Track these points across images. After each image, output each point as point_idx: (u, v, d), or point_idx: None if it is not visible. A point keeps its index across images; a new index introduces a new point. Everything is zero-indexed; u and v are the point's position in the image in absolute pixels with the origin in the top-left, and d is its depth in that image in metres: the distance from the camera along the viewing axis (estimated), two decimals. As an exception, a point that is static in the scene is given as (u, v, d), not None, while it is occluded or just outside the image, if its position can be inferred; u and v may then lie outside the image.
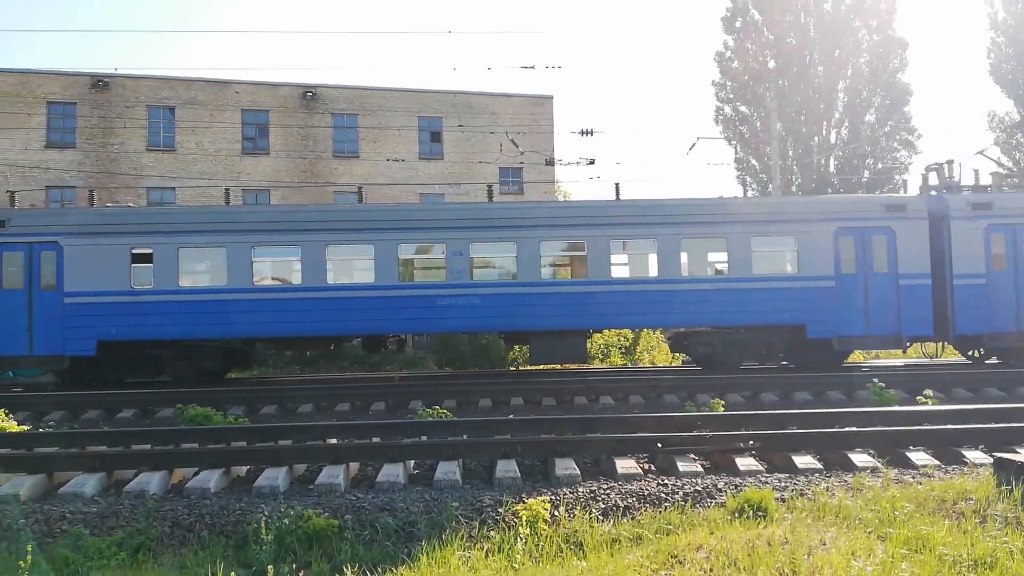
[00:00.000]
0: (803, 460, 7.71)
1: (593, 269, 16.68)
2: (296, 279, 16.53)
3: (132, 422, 12.90)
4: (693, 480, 7.23)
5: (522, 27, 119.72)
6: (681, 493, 6.89)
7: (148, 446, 9.00)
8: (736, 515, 6.23)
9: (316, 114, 33.86)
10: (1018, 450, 7.83)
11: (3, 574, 5.50)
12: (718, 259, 17.12)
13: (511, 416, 12.19)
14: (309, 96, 33.66)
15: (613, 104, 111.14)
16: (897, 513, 6.01)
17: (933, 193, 18.13)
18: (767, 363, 18.33)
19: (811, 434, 8.23)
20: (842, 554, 5.10)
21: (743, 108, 42.50)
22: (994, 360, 18.06)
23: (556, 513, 6.62)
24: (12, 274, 15.92)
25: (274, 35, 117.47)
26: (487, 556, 5.83)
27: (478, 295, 16.45)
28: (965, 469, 7.35)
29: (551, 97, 36.39)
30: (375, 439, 9.11)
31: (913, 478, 7.22)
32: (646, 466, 7.88)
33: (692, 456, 7.90)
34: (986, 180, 18.84)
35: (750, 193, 41.03)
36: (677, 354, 23.40)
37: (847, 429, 8.60)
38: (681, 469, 7.52)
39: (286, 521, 6.24)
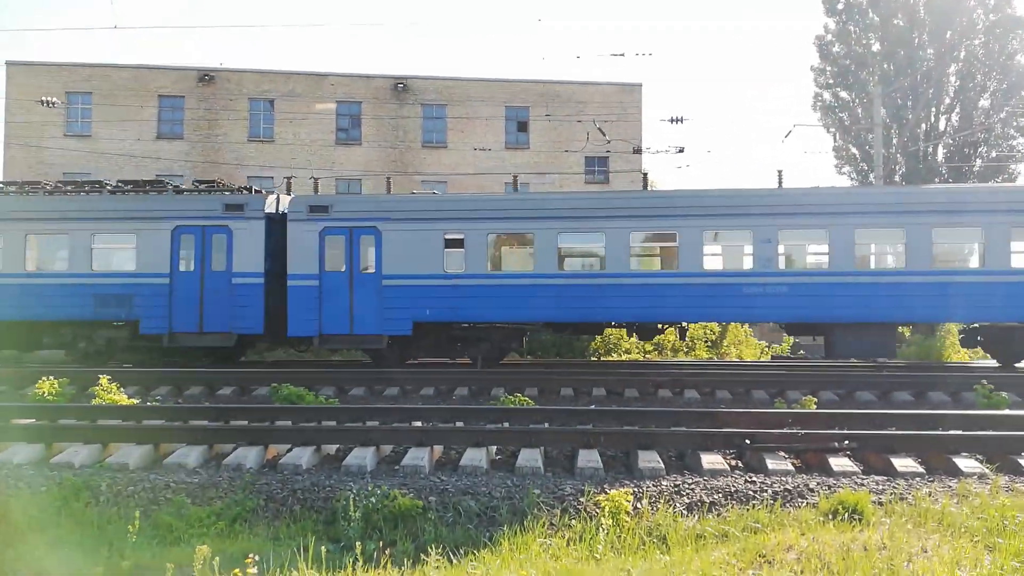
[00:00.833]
0: (903, 463, 7.32)
1: (913, 258, 15.98)
2: (599, 265, 16.63)
3: (231, 399, 13.57)
4: (783, 479, 6.99)
5: (612, 14, 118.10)
6: (770, 492, 6.67)
7: (245, 422, 9.46)
8: (829, 517, 5.98)
9: (406, 105, 34.50)
10: None
11: (114, 537, 5.89)
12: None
13: (592, 406, 12.14)
14: (400, 87, 34.31)
15: (704, 91, 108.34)
16: (1007, 523, 5.62)
17: None
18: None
19: (912, 436, 7.80)
20: (945, 563, 4.81)
21: (843, 94, 40.50)
22: None
23: (639, 506, 6.53)
24: (334, 257, 16.57)
25: (367, 27, 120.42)
26: (568, 544, 5.82)
27: (786, 284, 16.15)
28: (1087, 480, 6.80)
29: (640, 85, 35.75)
30: (459, 423, 9.26)
31: (1026, 487, 6.73)
32: (733, 462, 7.67)
33: (782, 454, 7.63)
34: None
35: (848, 183, 39.21)
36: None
37: (952, 432, 8.10)
38: (770, 467, 7.28)
39: (372, 500, 6.42)
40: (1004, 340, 16.67)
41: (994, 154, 36.94)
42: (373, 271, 16.49)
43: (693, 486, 6.89)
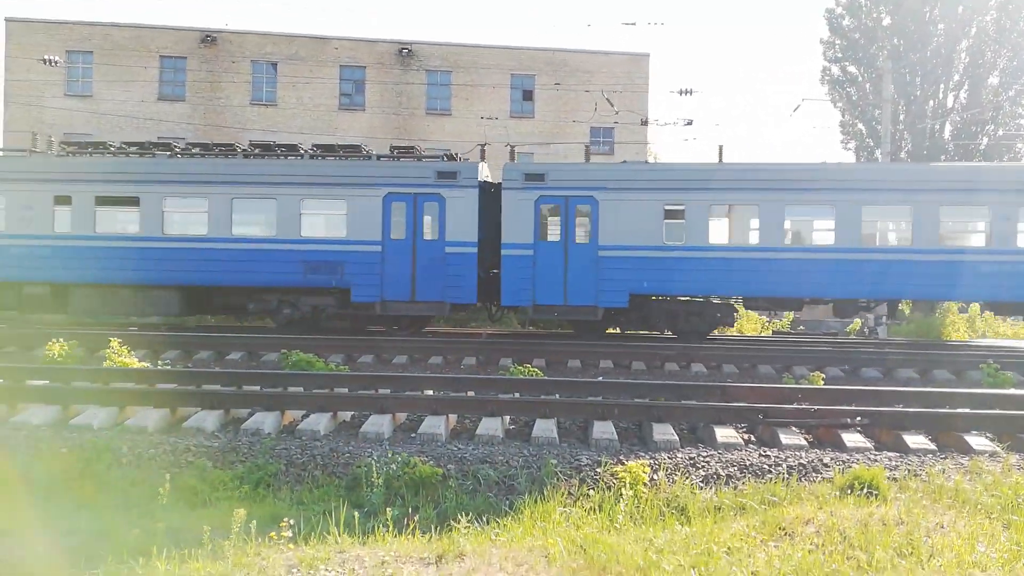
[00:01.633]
0: (915, 440, 7.41)
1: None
2: (829, 239, 16.13)
3: (240, 363, 13.63)
4: (797, 453, 7.08)
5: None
6: (785, 466, 6.77)
7: (258, 387, 9.51)
8: (845, 492, 6.07)
9: (411, 71, 34.11)
10: None
11: (140, 499, 5.96)
12: None
13: (600, 378, 12.23)
14: (405, 52, 33.89)
15: (714, 63, 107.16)
16: (1021, 500, 5.71)
17: None
18: None
19: (924, 413, 7.88)
20: (963, 538, 4.91)
21: (852, 68, 40.13)
22: None
23: (655, 477, 6.62)
24: (549, 226, 16.39)
25: None
26: (588, 514, 5.90)
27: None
28: (1097, 460, 6.90)
29: (647, 55, 35.36)
30: (469, 393, 9.33)
31: (1037, 466, 6.83)
32: (745, 436, 7.76)
33: (795, 429, 7.72)
34: None
35: (853, 159, 39.07)
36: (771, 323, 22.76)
37: (963, 410, 8.18)
38: (784, 442, 7.37)
39: (393, 467, 6.50)
40: None
41: (1001, 132, 36.75)
42: (589, 241, 16.20)
43: (708, 459, 6.98)
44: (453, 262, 16.22)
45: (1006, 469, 6.57)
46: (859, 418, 7.73)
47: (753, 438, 7.81)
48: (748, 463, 6.87)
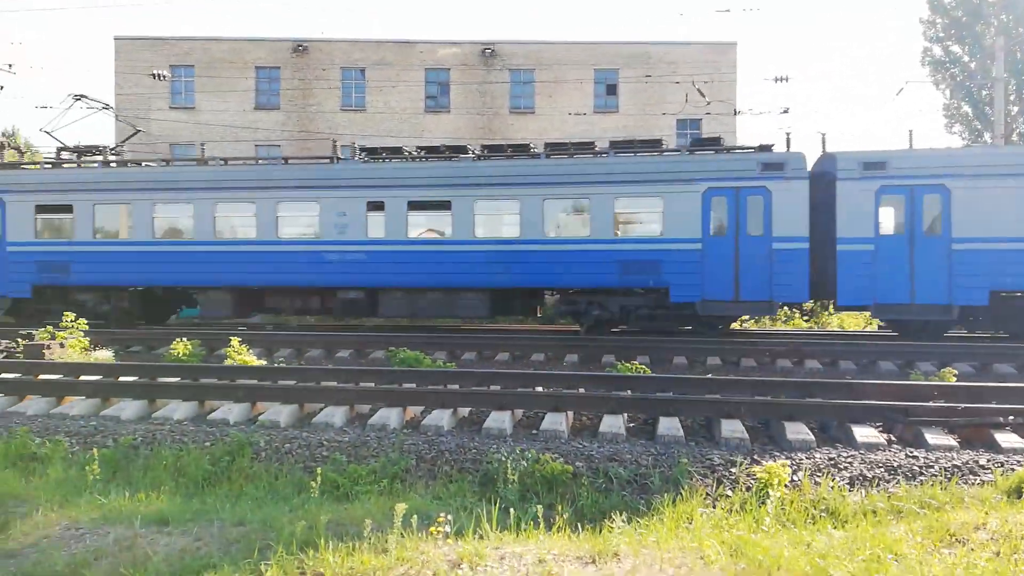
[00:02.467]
0: (1078, 442, 6.87)
1: None
2: None
3: (348, 360, 14.00)
4: (948, 454, 6.67)
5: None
6: (938, 467, 6.39)
7: (372, 384, 9.71)
8: (1010, 496, 5.67)
9: (494, 71, 34.32)
10: None
11: (287, 491, 6.16)
12: None
13: (709, 375, 11.92)
14: (488, 52, 34.11)
15: (809, 48, 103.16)
16: None
17: None
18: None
19: (1087, 413, 7.30)
20: None
21: (955, 48, 37.97)
22: None
23: (795, 478, 6.37)
24: (891, 218, 15.47)
25: None
26: (729, 515, 5.73)
27: None
28: None
29: (734, 44, 34.42)
30: (580, 390, 9.25)
31: None
32: (884, 436, 7.38)
33: (942, 429, 7.29)
34: None
35: (961, 143, 36.94)
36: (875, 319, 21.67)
37: None
38: (931, 442, 6.97)
39: (524, 463, 6.48)
40: None
41: None
42: (940, 233, 15.14)
43: (850, 459, 6.66)
44: (781, 259, 15.39)
45: None
46: (1011, 417, 7.23)
47: (892, 438, 7.42)
48: (895, 464, 6.52)
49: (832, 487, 6.09)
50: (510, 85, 34.34)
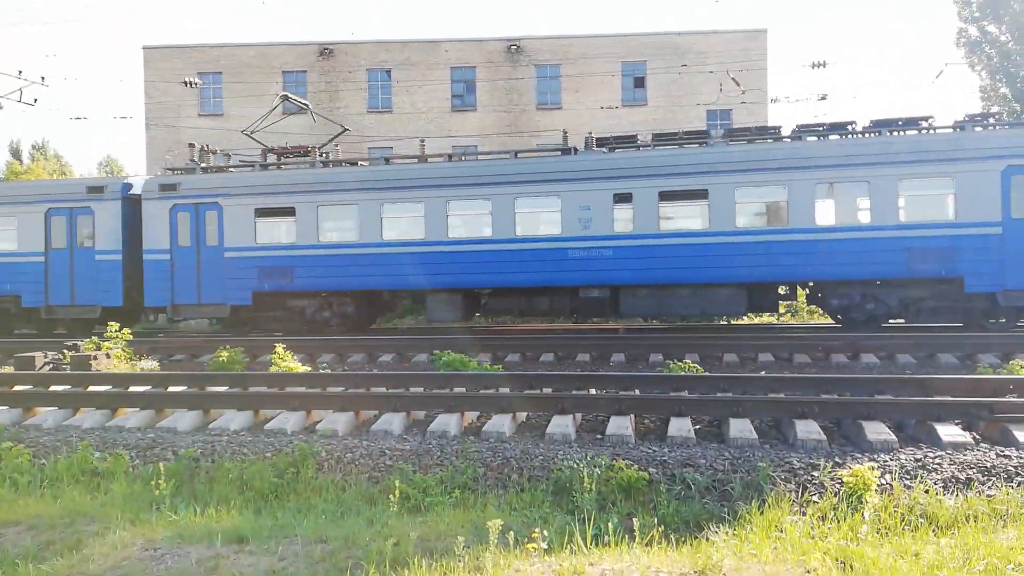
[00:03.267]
0: None
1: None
2: None
3: (391, 365, 13.87)
4: (1045, 453, 6.33)
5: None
6: (1037, 468, 6.05)
7: (421, 388, 9.53)
8: (1124, 498, 5.33)
9: (520, 67, 34.10)
10: None
11: (358, 504, 5.99)
12: None
13: (763, 373, 11.60)
14: (513, 49, 33.90)
15: (848, 32, 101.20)
16: None
17: None
18: None
19: None
20: None
21: (991, 28, 37.00)
22: None
23: (882, 481, 6.07)
24: None
25: None
26: (823, 522, 5.45)
27: None
28: None
29: (765, 31, 33.86)
30: (635, 392, 9.00)
31: None
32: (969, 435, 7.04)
33: (1029, 426, 6.94)
34: None
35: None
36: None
37: None
38: (1022, 440, 6.62)
39: (597, 471, 6.26)
40: None
41: None
42: None
43: (939, 460, 6.34)
44: None
45: None
46: (1106, 413, 6.86)
47: (976, 436, 7.08)
48: (988, 465, 6.20)
49: (927, 491, 5.78)
50: (536, 81, 34.12)
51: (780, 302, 17.17)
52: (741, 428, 7.31)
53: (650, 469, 6.51)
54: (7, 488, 6.48)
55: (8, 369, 12.80)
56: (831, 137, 16.00)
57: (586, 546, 4.62)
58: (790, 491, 6.06)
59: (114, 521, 5.44)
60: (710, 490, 6.24)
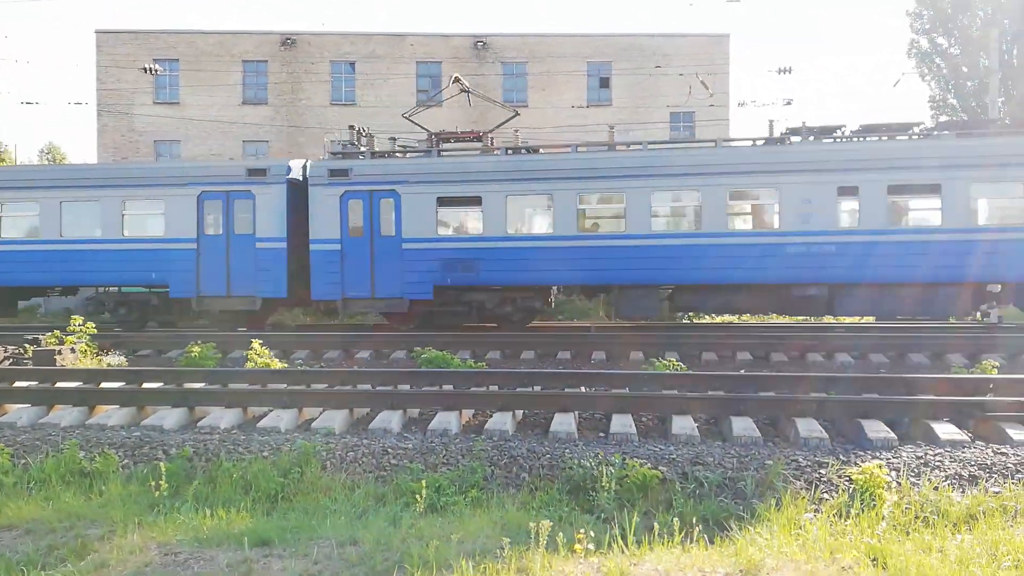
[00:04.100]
0: None
1: None
2: None
3: (369, 363, 13.63)
4: (1040, 451, 6.55)
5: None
6: (1036, 465, 6.25)
7: (408, 386, 9.37)
8: (1123, 494, 5.54)
9: (486, 63, 33.98)
10: None
11: (374, 503, 5.83)
12: None
13: (742, 371, 11.76)
14: (480, 46, 33.75)
15: (813, 39, 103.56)
16: None
17: None
18: None
19: None
20: None
21: (941, 40, 38.40)
22: None
23: (889, 479, 6.18)
24: None
25: None
26: (836, 520, 5.52)
27: None
28: None
29: (728, 35, 34.47)
30: (626, 389, 9.02)
31: None
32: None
33: (1019, 424, 7.17)
34: None
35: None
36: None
37: None
38: (1015, 438, 6.84)
39: (611, 469, 6.22)
40: None
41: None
42: None
43: (939, 458, 6.50)
44: None
45: None
46: (1090, 411, 7.13)
47: (968, 434, 7.29)
48: (988, 462, 6.38)
49: (936, 488, 5.91)
50: (503, 78, 34.03)
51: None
52: (744, 426, 7.38)
53: (660, 467, 6.51)
54: (-9, 490, 6.11)
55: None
56: None
57: (627, 546, 4.56)
58: (801, 488, 6.13)
59: (117, 524, 5.17)
60: (723, 488, 6.27)
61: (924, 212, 15.45)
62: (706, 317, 19.95)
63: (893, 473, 6.25)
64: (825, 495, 6.05)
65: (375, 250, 16.54)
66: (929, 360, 12.50)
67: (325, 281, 16.57)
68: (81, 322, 13.35)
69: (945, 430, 7.06)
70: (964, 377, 8.87)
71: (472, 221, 16.67)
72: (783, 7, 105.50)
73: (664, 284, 16.05)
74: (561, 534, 4.43)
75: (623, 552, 4.47)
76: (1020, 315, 17.16)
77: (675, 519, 5.29)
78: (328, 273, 16.54)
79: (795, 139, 15.91)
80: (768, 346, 13.37)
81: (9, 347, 12.59)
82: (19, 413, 8.31)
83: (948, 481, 6.15)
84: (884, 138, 15.63)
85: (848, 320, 20.74)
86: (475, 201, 16.41)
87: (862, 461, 6.43)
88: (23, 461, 6.95)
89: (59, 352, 12.04)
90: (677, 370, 11.00)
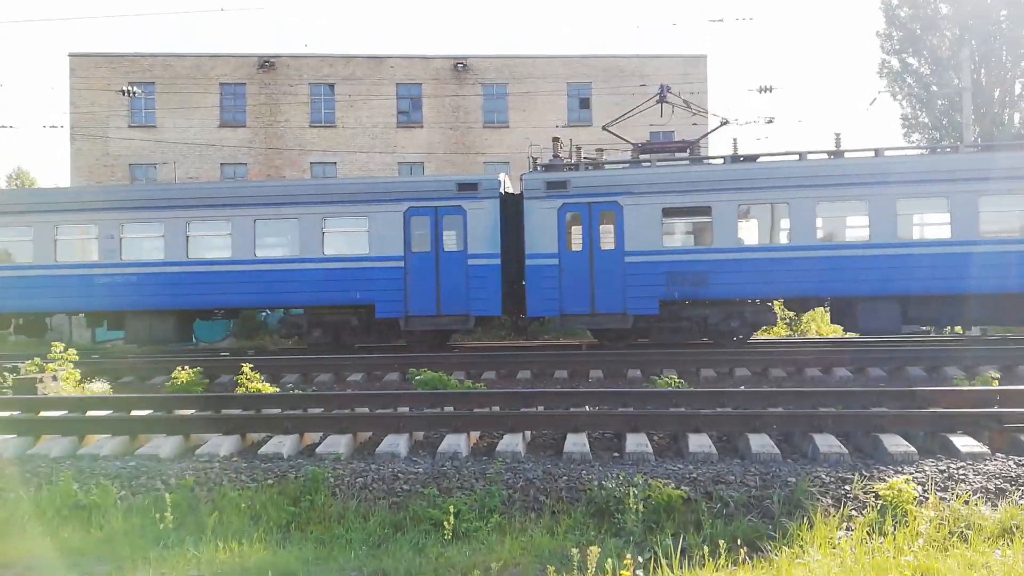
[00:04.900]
0: None
1: None
2: None
3: (361, 384, 13.33)
4: (1061, 462, 6.49)
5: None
6: (1060, 476, 6.19)
7: (407, 408, 9.11)
8: None
9: (467, 84, 34.06)
10: None
11: (387, 534, 5.58)
12: None
13: (742, 387, 11.68)
14: (460, 67, 33.83)
15: (794, 58, 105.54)
16: None
17: None
18: None
19: None
20: None
21: (911, 60, 39.30)
22: None
23: (915, 494, 6.07)
24: None
25: (426, 6, 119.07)
26: (869, 538, 5.39)
27: None
28: None
29: (704, 56, 34.96)
30: (630, 408, 8.85)
31: None
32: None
33: (1036, 435, 7.13)
34: None
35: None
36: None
37: None
38: (1034, 449, 6.79)
39: (634, 490, 6.04)
40: None
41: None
42: None
43: (964, 472, 6.42)
44: None
45: None
46: (1105, 421, 7.12)
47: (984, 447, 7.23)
48: (1013, 475, 6.31)
49: (966, 502, 5.81)
50: (483, 99, 34.09)
51: None
52: (762, 443, 7.25)
53: (683, 487, 6.34)
54: (-17, 526, 5.76)
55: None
56: None
57: (672, 570, 4.38)
58: (829, 506, 6.00)
59: (125, 560, 4.88)
60: (749, 507, 6.11)
61: None
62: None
63: (918, 488, 6.15)
64: (853, 512, 5.92)
65: (595, 265, 16.11)
66: (925, 373, 12.52)
67: (542, 297, 16.16)
68: (63, 349, 12.90)
69: (964, 443, 6.99)
70: (976, 389, 8.84)
71: (701, 232, 16.19)
72: (764, 27, 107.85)
73: (909, 294, 15.40)
74: (611, 560, 4.24)
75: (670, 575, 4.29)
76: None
77: (705, 542, 5.12)
78: (545, 289, 16.12)
79: None
80: (768, 362, 13.30)
81: (-12, 376, 12.10)
82: (4, 444, 7.92)
83: (976, 495, 6.06)
84: None
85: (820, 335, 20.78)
86: (703, 211, 15.92)
87: (886, 476, 6.33)
88: (11, 495, 6.59)
89: (40, 380, 11.59)
90: (679, 387, 10.90)
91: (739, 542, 5.43)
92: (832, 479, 6.43)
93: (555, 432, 8.06)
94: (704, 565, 4.62)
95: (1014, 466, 6.49)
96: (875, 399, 8.58)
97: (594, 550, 4.19)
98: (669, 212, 16.05)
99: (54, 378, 11.99)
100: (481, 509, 5.98)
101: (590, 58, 34.56)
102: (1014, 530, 5.39)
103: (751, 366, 13.28)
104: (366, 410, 9.02)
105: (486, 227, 16.49)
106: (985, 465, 6.54)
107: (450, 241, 16.60)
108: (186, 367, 12.76)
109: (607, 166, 17.83)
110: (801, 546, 5.20)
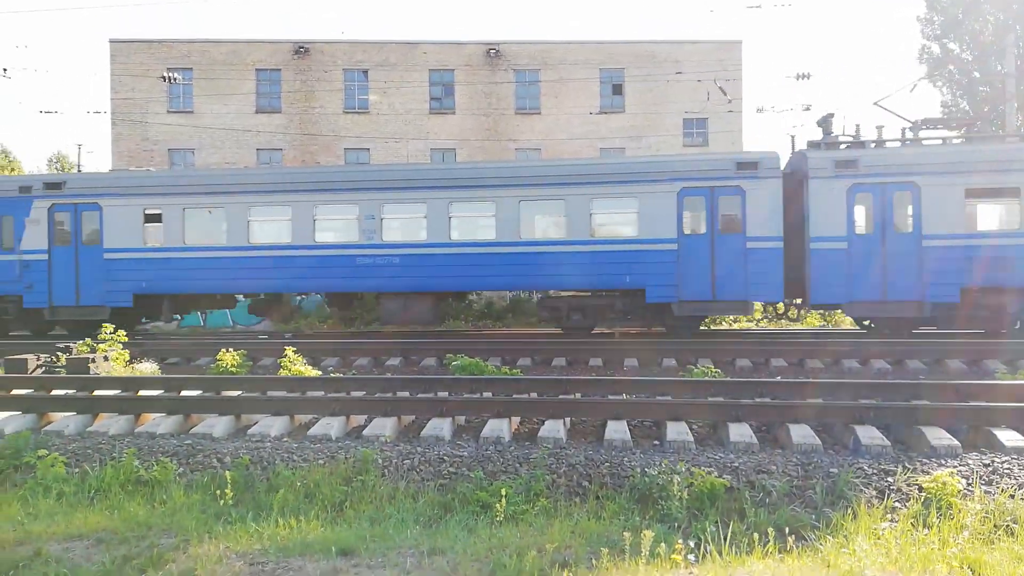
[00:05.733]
0: None
1: None
2: None
3: (399, 369, 13.56)
4: (1110, 458, 6.45)
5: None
6: (1109, 472, 6.16)
7: (446, 393, 9.28)
8: None
9: (499, 71, 34.02)
10: None
11: (435, 515, 5.75)
12: None
13: (778, 377, 11.67)
14: (493, 53, 33.79)
15: (833, 44, 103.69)
16: None
17: None
18: None
19: None
20: None
21: (952, 45, 38.43)
22: None
23: (959, 487, 6.09)
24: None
25: None
26: (912, 530, 5.43)
27: None
28: None
29: (740, 42, 34.46)
30: (667, 396, 8.92)
31: None
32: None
33: (1084, 431, 7.08)
34: None
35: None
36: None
37: None
38: (1083, 445, 6.75)
39: (677, 478, 6.14)
40: None
41: None
42: None
43: (1008, 466, 6.42)
44: None
45: None
46: None
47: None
48: (1059, 469, 6.29)
49: (1012, 496, 5.82)
50: (515, 86, 34.03)
51: None
52: (803, 433, 7.29)
53: (724, 475, 6.43)
54: (53, 500, 6.05)
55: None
56: None
57: (721, 555, 4.49)
58: (872, 497, 6.04)
59: (191, 533, 5.11)
60: (791, 497, 6.18)
61: None
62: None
63: (962, 481, 6.16)
64: (897, 504, 5.95)
65: (887, 249, 15.46)
66: (966, 366, 12.40)
67: (828, 283, 15.54)
68: (112, 330, 13.31)
69: (1008, 437, 6.97)
70: (1016, 383, 8.77)
71: (1008, 214, 15.42)
72: (802, 13, 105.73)
73: None
74: (663, 544, 4.35)
75: (719, 562, 4.39)
76: None
77: (749, 530, 5.21)
78: (833, 275, 15.51)
79: None
80: (802, 353, 13.27)
81: (42, 355, 12.55)
82: (66, 422, 8.25)
83: (1021, 489, 6.06)
84: None
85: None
86: (1012, 192, 15.14)
87: (929, 469, 6.36)
88: (75, 470, 6.90)
89: (92, 360, 11.99)
90: (715, 377, 10.94)
91: (786, 531, 5.54)
92: (875, 471, 6.47)
93: (595, 419, 8.17)
94: (751, 552, 4.71)
95: (1060, 461, 6.46)
96: (921, 392, 8.57)
97: (648, 534, 4.31)
98: (972, 193, 15.27)
99: (105, 358, 12.39)
100: (527, 492, 6.13)
101: (623, 44, 34.30)
102: (1062, 525, 5.40)
103: (787, 356, 13.26)
104: (407, 394, 9.24)
105: (767, 208, 15.88)
106: (1030, 459, 6.52)
107: (726, 223, 16.13)
108: (230, 349, 13.08)
109: (897, 144, 16.58)
110: (846, 536, 5.26)
